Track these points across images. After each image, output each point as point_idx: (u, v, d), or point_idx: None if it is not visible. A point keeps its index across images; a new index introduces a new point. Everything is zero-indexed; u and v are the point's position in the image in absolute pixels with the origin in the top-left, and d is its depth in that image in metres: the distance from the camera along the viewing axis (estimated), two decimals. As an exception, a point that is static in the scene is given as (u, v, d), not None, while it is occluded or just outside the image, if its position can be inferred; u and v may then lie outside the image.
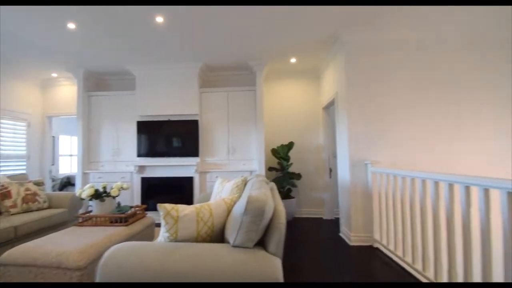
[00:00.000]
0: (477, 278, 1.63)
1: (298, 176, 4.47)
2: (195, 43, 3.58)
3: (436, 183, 1.98)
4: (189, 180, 4.35)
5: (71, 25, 3.05)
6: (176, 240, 1.34)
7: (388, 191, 2.72)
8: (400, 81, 3.29)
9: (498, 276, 1.53)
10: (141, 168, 4.40)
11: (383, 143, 3.24)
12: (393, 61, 3.30)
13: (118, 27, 3.09)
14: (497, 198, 1.50)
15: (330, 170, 4.53)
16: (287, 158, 4.45)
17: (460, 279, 1.81)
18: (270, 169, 4.53)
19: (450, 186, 1.84)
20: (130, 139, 4.59)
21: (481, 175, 3.04)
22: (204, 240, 1.44)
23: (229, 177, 4.29)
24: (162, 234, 1.37)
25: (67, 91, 5.13)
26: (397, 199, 2.55)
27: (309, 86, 4.91)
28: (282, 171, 4.48)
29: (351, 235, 3.17)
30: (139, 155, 4.43)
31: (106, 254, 1.26)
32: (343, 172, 3.48)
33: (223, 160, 4.54)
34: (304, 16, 2.92)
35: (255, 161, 4.44)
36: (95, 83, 4.93)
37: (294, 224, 4.27)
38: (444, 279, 1.94)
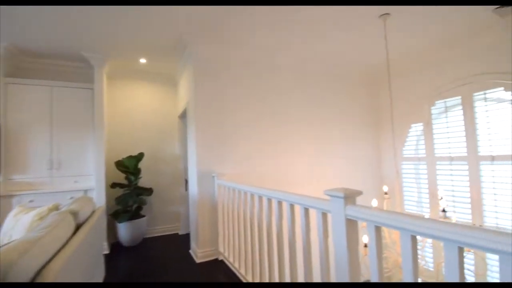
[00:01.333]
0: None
1: (148, 191, 3.98)
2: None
3: (260, 197, 2.10)
4: (-23, 209, 2.99)
5: None
6: None
7: (229, 203, 2.76)
8: (244, 97, 3.48)
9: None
10: None
11: (230, 155, 3.31)
12: (238, 77, 3.46)
13: None
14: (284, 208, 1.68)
15: (186, 181, 4.32)
16: (135, 172, 3.88)
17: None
18: (113, 185, 3.81)
19: (269, 200, 1.98)
20: None
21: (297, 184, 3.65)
22: None
23: (52, 199, 3.25)
24: None
25: None
26: (235, 211, 2.61)
27: (165, 93, 4.54)
28: (130, 187, 3.87)
29: (198, 251, 3.03)
30: None
31: None
32: (193, 184, 3.33)
33: (42, 177, 3.44)
34: (150, 13, 2.58)
35: (93, 176, 3.61)
36: None
37: (142, 247, 3.74)
38: None
